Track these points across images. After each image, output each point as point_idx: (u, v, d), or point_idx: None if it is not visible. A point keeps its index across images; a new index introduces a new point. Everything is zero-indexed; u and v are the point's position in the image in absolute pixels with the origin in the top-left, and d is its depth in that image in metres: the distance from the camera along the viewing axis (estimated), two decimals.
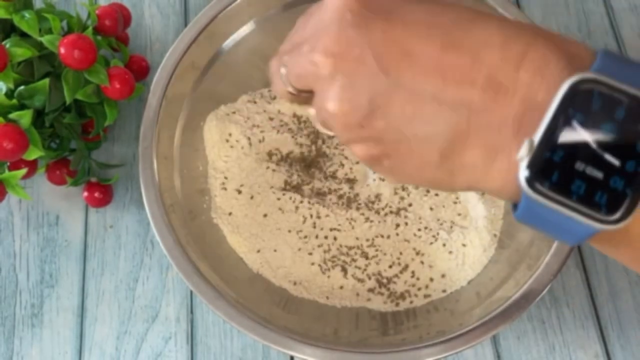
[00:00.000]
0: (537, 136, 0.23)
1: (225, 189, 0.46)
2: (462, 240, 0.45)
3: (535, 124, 0.23)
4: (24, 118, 0.41)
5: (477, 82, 0.24)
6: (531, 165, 0.23)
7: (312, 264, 0.45)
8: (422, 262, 0.45)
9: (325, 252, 0.45)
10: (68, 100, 0.42)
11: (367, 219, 0.45)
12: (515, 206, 0.25)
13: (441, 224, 0.45)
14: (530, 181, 0.23)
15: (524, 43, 0.24)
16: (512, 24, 0.25)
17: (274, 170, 0.47)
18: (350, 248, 0.45)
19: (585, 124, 0.22)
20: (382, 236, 0.45)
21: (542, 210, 0.23)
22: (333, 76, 0.26)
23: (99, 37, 0.47)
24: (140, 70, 0.51)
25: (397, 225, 0.45)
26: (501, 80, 0.23)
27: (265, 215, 0.46)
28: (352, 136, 0.27)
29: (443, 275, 0.44)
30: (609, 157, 0.22)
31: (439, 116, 0.25)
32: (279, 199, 0.46)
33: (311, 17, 0.29)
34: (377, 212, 0.46)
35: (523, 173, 0.23)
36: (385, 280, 0.44)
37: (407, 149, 0.26)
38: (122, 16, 0.49)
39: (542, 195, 0.23)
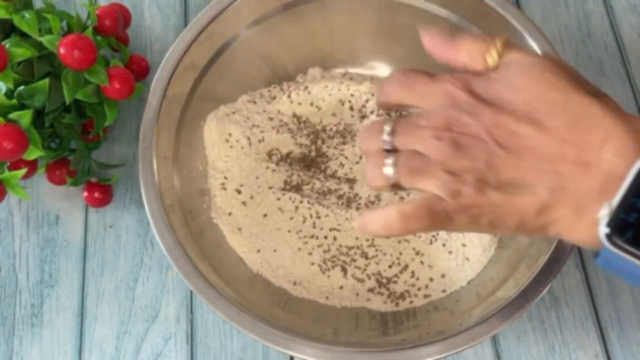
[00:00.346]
0: (615, 201, 0.29)
1: (225, 189, 0.46)
2: (462, 240, 0.45)
3: (615, 191, 0.29)
4: (24, 118, 0.41)
5: (568, 158, 0.30)
6: (610, 224, 0.29)
7: (312, 264, 0.45)
8: (421, 262, 0.45)
9: (325, 252, 0.45)
10: (68, 100, 0.42)
11: None
12: (596, 255, 0.30)
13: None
14: (609, 237, 0.29)
15: (606, 129, 0.30)
16: (596, 108, 0.31)
17: (273, 170, 0.47)
18: (350, 248, 0.45)
19: None
20: None
21: (618, 260, 0.29)
22: (454, 146, 0.32)
23: (99, 37, 0.47)
24: (140, 71, 0.51)
25: None
26: (586, 159, 0.30)
27: (265, 215, 0.46)
28: (456, 187, 0.32)
29: (443, 275, 0.44)
30: None
31: (538, 182, 0.31)
32: (278, 199, 0.46)
33: (420, 86, 0.34)
34: None
35: (603, 230, 0.29)
36: (385, 280, 0.44)
37: (510, 207, 0.32)
38: (122, 16, 0.49)
39: (618, 248, 0.29)
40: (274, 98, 0.50)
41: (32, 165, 0.45)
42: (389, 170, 0.33)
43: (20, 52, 0.42)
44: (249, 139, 0.47)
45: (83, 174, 0.48)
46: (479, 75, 0.33)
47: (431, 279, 0.44)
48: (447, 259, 0.44)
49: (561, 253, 0.39)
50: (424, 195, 0.33)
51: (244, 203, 0.46)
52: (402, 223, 0.33)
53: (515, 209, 0.32)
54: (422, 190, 0.33)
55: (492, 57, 0.33)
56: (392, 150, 0.34)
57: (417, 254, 0.45)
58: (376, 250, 0.45)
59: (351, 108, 0.49)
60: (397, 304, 0.44)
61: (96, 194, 0.48)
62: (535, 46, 0.44)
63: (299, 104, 0.49)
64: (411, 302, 0.44)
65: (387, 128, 0.34)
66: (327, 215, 0.45)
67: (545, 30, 0.46)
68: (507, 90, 0.32)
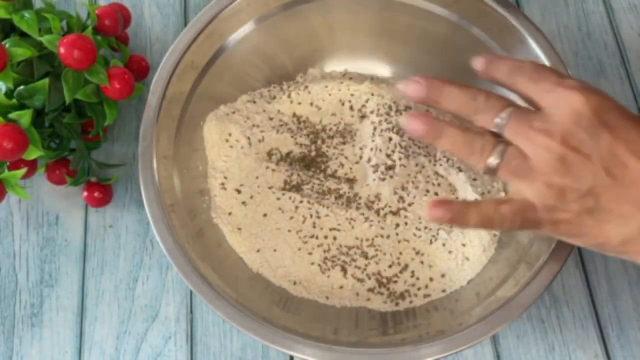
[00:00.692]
0: None
1: (225, 189, 0.46)
2: (462, 240, 0.45)
3: None
4: (24, 118, 0.41)
5: None
6: None
7: (312, 264, 0.45)
8: (422, 262, 0.45)
9: (325, 252, 0.45)
10: (68, 100, 0.42)
11: (367, 219, 0.45)
12: None
13: (441, 224, 0.45)
14: None
15: None
16: None
17: (273, 170, 0.47)
18: (350, 248, 0.45)
19: None
20: (382, 236, 0.45)
21: None
22: (562, 161, 0.32)
23: (99, 37, 0.47)
24: (140, 70, 0.51)
25: (397, 225, 0.45)
26: None
27: (265, 215, 0.46)
28: (554, 203, 0.33)
29: (443, 275, 0.44)
30: None
31: (633, 217, 0.33)
32: (278, 199, 0.46)
33: (547, 84, 0.34)
34: (377, 212, 0.46)
35: None
36: (385, 280, 0.44)
37: (598, 232, 0.34)
38: (122, 16, 0.49)
39: None
40: (274, 98, 0.50)
41: (32, 165, 0.45)
42: (494, 160, 0.34)
43: (21, 52, 0.42)
44: (249, 139, 0.47)
45: (83, 174, 0.48)
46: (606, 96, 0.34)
47: (431, 279, 0.44)
48: (447, 259, 0.44)
49: (561, 253, 0.39)
50: (518, 199, 0.34)
51: (244, 203, 0.46)
52: (498, 223, 0.34)
53: (603, 235, 0.34)
54: (516, 192, 0.35)
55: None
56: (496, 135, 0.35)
57: (417, 254, 0.45)
58: (376, 250, 0.45)
59: (351, 108, 0.49)
60: (397, 304, 0.44)
61: (96, 194, 0.48)
62: (535, 46, 0.44)
63: (299, 104, 0.49)
64: (411, 302, 0.44)
65: (505, 115, 0.34)
66: (327, 215, 0.45)
67: (545, 30, 0.46)
68: (633, 122, 0.33)
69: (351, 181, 0.47)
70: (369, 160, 0.47)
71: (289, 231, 0.45)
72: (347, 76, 0.51)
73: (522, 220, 0.34)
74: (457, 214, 0.35)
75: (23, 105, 0.43)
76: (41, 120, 0.44)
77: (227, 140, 0.47)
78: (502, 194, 0.46)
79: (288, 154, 0.48)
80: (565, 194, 0.33)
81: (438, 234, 0.45)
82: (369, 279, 0.44)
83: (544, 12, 0.56)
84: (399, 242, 0.45)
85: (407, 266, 0.45)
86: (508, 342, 0.45)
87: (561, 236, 0.36)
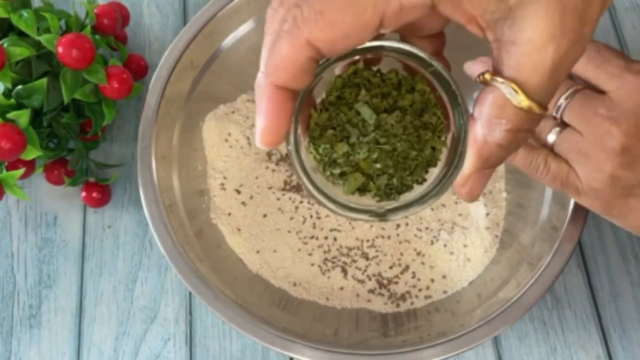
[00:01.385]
0: None
1: (224, 189, 0.46)
2: (463, 240, 0.44)
3: None
4: (22, 118, 0.41)
5: None
6: None
7: (312, 264, 0.44)
8: (422, 263, 0.44)
9: (325, 252, 0.45)
10: (66, 99, 0.42)
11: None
12: None
13: (442, 225, 0.45)
14: None
15: None
16: None
17: (273, 170, 0.47)
18: (350, 249, 0.45)
19: None
20: (383, 237, 0.45)
21: None
22: (623, 151, 0.32)
23: (98, 36, 0.47)
24: (138, 70, 0.51)
25: (398, 226, 0.45)
26: None
27: (264, 216, 0.45)
28: (608, 189, 0.33)
29: (444, 276, 0.44)
30: None
31: None
32: (278, 199, 0.46)
33: (611, 67, 0.33)
34: None
35: None
36: (385, 281, 0.44)
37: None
38: (121, 15, 0.49)
39: None
40: None
41: (30, 165, 0.45)
42: (551, 138, 0.34)
43: (19, 51, 0.42)
44: (248, 138, 0.47)
45: (81, 174, 0.47)
46: None
47: (432, 280, 0.44)
48: (448, 260, 0.44)
49: (563, 253, 0.39)
50: (567, 167, 0.34)
51: (243, 203, 0.46)
52: (540, 172, 0.34)
53: None
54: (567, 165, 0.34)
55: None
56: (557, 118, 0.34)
57: (418, 254, 0.45)
58: (377, 251, 0.45)
59: None
60: (397, 305, 0.44)
61: (94, 194, 0.48)
62: None
63: None
64: (412, 303, 0.44)
65: (567, 96, 0.33)
66: (327, 216, 0.45)
67: None
68: None
69: None
70: None
71: (289, 232, 0.45)
72: None
73: (562, 183, 0.34)
74: None
75: (21, 104, 0.42)
76: (39, 119, 0.44)
77: (227, 140, 0.47)
78: (504, 194, 0.46)
79: (288, 154, 0.48)
80: (618, 181, 0.32)
81: (439, 235, 0.45)
82: (370, 280, 0.44)
83: None
84: (400, 242, 0.45)
85: (407, 267, 0.44)
86: (509, 343, 0.45)
87: (600, 213, 0.35)
